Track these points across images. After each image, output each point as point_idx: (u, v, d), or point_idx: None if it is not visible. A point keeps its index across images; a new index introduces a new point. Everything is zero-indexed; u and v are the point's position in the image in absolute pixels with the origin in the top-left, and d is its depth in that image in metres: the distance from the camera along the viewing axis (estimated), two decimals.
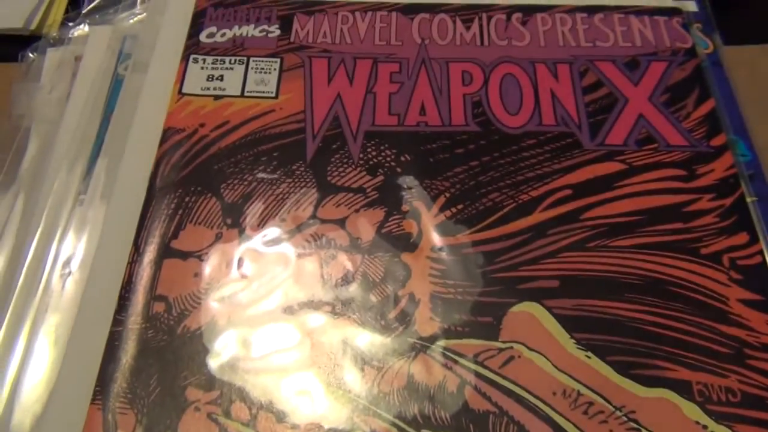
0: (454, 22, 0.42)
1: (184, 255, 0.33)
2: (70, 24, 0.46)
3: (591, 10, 0.42)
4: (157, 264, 0.33)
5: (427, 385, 0.30)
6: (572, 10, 0.42)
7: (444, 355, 0.31)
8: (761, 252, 0.33)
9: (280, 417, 0.29)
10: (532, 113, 0.38)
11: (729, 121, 0.38)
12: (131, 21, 0.45)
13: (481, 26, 0.41)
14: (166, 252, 0.33)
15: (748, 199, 0.35)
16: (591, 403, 0.29)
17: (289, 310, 0.32)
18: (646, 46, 0.40)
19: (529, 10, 0.42)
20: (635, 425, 0.29)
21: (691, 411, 0.29)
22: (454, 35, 0.41)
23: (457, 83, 0.39)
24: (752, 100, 0.41)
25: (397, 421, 0.29)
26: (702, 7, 0.43)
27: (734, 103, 0.39)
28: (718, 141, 0.37)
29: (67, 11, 0.47)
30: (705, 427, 0.29)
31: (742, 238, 0.34)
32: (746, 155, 0.37)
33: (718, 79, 0.40)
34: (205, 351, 0.31)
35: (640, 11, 0.42)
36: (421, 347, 0.31)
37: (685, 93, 0.38)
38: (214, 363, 0.30)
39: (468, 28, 0.41)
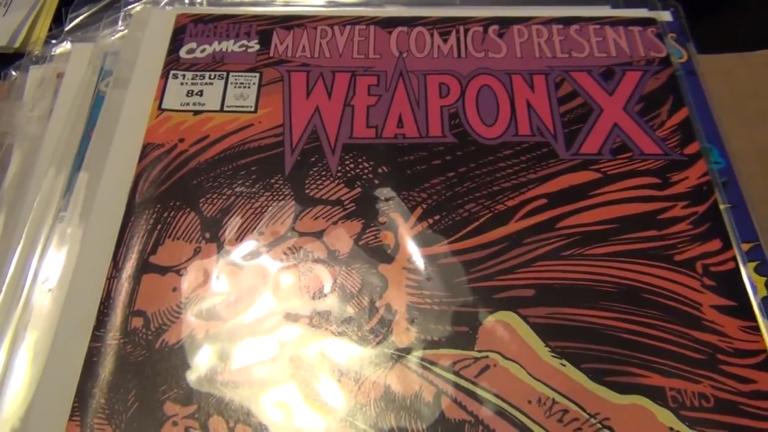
0: (432, 34, 0.42)
1: (163, 270, 0.34)
2: (53, 41, 0.46)
3: (567, 21, 0.43)
4: (136, 279, 0.33)
5: (403, 395, 0.30)
6: (548, 21, 0.43)
7: (420, 365, 0.31)
8: (734, 258, 0.34)
9: (257, 430, 0.29)
10: (508, 124, 0.38)
11: (703, 129, 0.38)
12: (113, 38, 0.45)
13: (458, 39, 0.42)
14: (144, 267, 0.34)
15: (722, 206, 0.35)
16: (566, 411, 0.30)
17: (267, 323, 0.32)
18: (621, 56, 0.41)
19: (505, 22, 0.43)
20: None
21: (665, 417, 0.29)
22: (431, 48, 0.42)
23: (435, 95, 0.39)
24: (726, 107, 0.41)
25: None
26: (676, 17, 0.43)
27: (708, 111, 0.39)
28: (691, 149, 0.37)
29: (50, 29, 0.48)
30: None
31: (716, 244, 0.34)
32: (720, 163, 0.37)
33: (692, 87, 0.40)
34: (184, 365, 0.31)
35: (615, 22, 0.42)
36: (397, 358, 0.31)
37: (660, 102, 0.39)
38: (192, 377, 0.31)
39: (445, 41, 0.42)
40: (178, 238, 0.34)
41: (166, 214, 0.35)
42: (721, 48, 0.45)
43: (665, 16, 0.43)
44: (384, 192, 0.36)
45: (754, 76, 0.44)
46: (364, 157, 0.37)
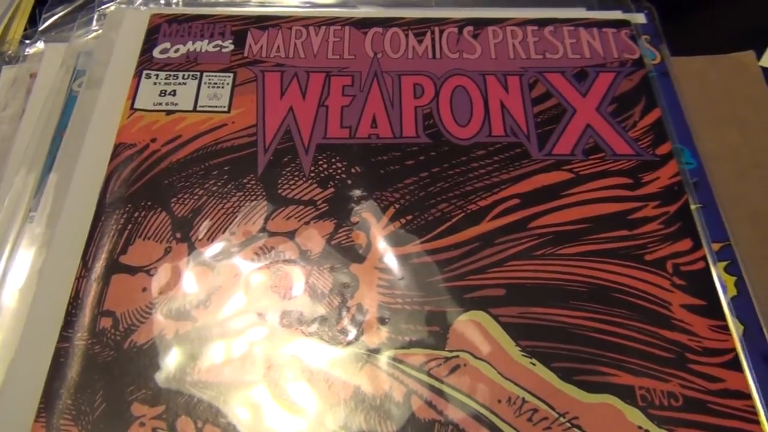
0: (407, 35, 0.42)
1: (133, 270, 0.33)
2: (27, 41, 0.46)
3: (541, 22, 0.43)
4: (105, 279, 0.33)
5: (374, 395, 0.30)
6: (523, 23, 0.43)
7: (391, 365, 0.31)
8: (704, 258, 0.34)
9: (226, 430, 0.29)
10: (481, 124, 0.38)
11: (674, 130, 0.38)
12: (87, 38, 0.45)
13: (433, 39, 0.42)
14: (114, 267, 0.33)
15: (693, 206, 0.36)
16: (535, 410, 0.30)
17: (237, 323, 0.32)
18: (595, 57, 0.41)
19: (480, 24, 0.43)
20: (578, 431, 0.29)
21: (634, 416, 0.29)
22: (406, 48, 0.42)
23: (409, 96, 0.39)
24: (698, 109, 0.41)
25: None
26: (650, 20, 0.44)
27: (680, 112, 0.40)
28: (663, 149, 0.37)
29: (25, 29, 0.48)
30: (647, 431, 0.29)
31: (686, 244, 0.34)
32: (691, 163, 0.38)
33: (665, 89, 0.40)
34: (152, 365, 0.31)
35: (589, 24, 0.43)
36: (368, 358, 0.31)
37: (632, 103, 0.39)
38: (160, 377, 0.30)
39: (420, 42, 0.42)
40: (149, 238, 0.34)
41: (136, 214, 0.35)
42: (693, 50, 0.45)
43: (639, 18, 0.44)
44: (357, 192, 0.36)
45: (726, 78, 0.44)
46: (338, 157, 0.37)
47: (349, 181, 0.36)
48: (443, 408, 0.30)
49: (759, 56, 0.46)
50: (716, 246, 0.35)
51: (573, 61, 0.41)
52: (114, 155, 0.37)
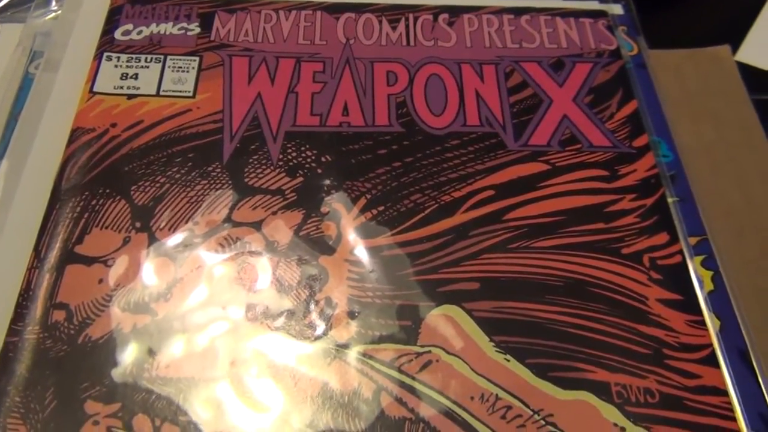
0: (380, 21, 0.41)
1: (89, 260, 0.32)
2: None
3: (518, 11, 0.42)
4: (59, 270, 0.31)
5: (342, 392, 0.29)
6: (499, 11, 0.42)
7: (360, 360, 0.30)
8: (681, 252, 0.33)
9: (186, 429, 0.28)
10: (456, 114, 0.37)
11: (652, 123, 0.38)
12: (45, 18, 0.43)
13: (407, 26, 0.41)
14: (69, 257, 0.31)
15: (669, 200, 0.35)
16: (509, 407, 0.29)
17: (199, 317, 0.30)
18: (572, 47, 0.40)
19: (456, 11, 0.42)
20: (553, 428, 0.28)
21: (610, 413, 0.29)
22: (379, 35, 0.40)
23: (382, 83, 0.38)
24: (676, 102, 0.41)
25: (309, 430, 0.28)
26: (627, 11, 0.43)
27: (657, 104, 0.39)
28: (640, 142, 0.37)
29: None
30: (623, 429, 0.28)
31: (663, 238, 0.33)
32: (668, 156, 0.37)
33: (642, 80, 0.40)
34: (107, 361, 0.29)
35: (566, 13, 0.42)
36: (336, 353, 0.30)
37: (609, 94, 0.38)
38: (116, 373, 0.29)
39: (394, 29, 0.41)
40: (107, 227, 0.32)
41: (94, 202, 0.33)
42: (671, 44, 0.45)
43: (616, 9, 0.43)
44: (327, 181, 0.35)
45: (703, 72, 0.44)
46: (308, 146, 0.36)
47: (319, 170, 0.35)
48: (414, 405, 0.29)
49: (735, 50, 0.46)
50: (693, 240, 0.34)
51: (550, 50, 0.40)
52: (71, 140, 0.35)
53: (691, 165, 0.38)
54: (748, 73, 0.45)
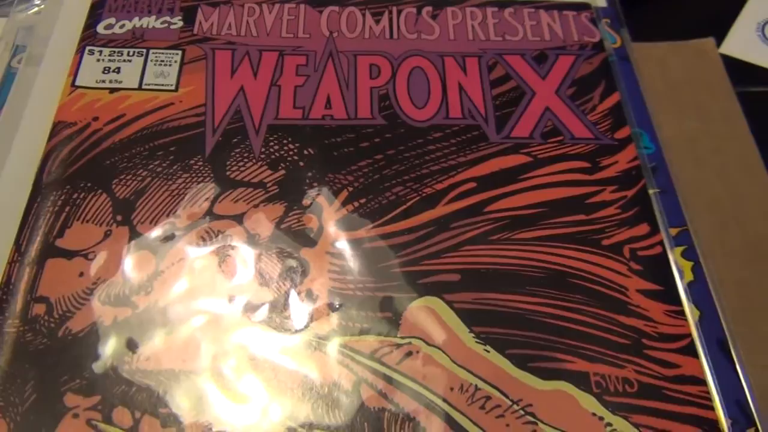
0: (364, 15, 0.41)
1: (70, 254, 0.31)
2: None
3: (501, 4, 0.42)
4: (40, 264, 0.31)
5: (322, 384, 0.29)
6: (483, 4, 0.42)
7: (341, 352, 0.30)
8: (661, 242, 0.33)
9: (165, 421, 0.28)
10: (439, 106, 0.37)
11: (634, 115, 0.38)
12: (29, 12, 0.42)
13: (390, 19, 0.41)
14: (50, 251, 0.31)
15: (651, 191, 0.35)
16: (488, 398, 0.29)
17: (180, 310, 0.30)
18: (555, 40, 0.40)
19: (439, 4, 0.42)
20: (532, 418, 0.28)
21: (588, 403, 0.29)
22: (363, 28, 0.40)
23: (365, 76, 0.38)
24: (659, 95, 0.41)
25: (289, 422, 0.28)
26: (611, 3, 0.43)
27: (640, 96, 0.39)
28: (622, 133, 0.37)
29: None
30: (601, 418, 0.28)
31: (643, 229, 0.34)
32: (650, 148, 0.37)
33: (625, 73, 0.40)
34: (88, 354, 0.29)
35: (549, 6, 0.42)
36: (317, 345, 0.30)
37: (592, 86, 0.38)
38: (96, 366, 0.29)
39: (377, 22, 0.41)
40: (88, 221, 0.32)
41: (75, 196, 0.33)
42: (655, 36, 0.45)
43: (600, 1, 0.43)
44: (309, 174, 0.35)
45: (687, 64, 0.44)
46: (290, 139, 0.36)
47: (301, 163, 0.35)
48: (394, 396, 0.29)
49: (719, 43, 0.46)
50: (674, 231, 0.34)
51: (533, 43, 0.40)
52: (52, 134, 0.35)
53: (674, 157, 0.38)
54: (733, 65, 0.45)
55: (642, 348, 0.30)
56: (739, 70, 0.44)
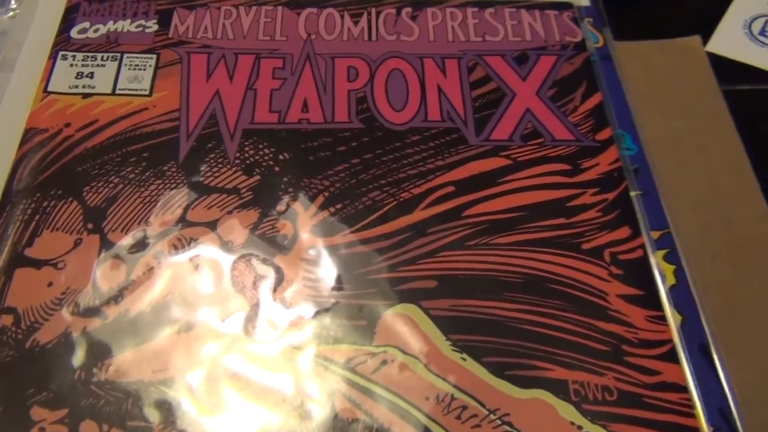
0: (342, 16, 0.40)
1: (38, 263, 0.31)
2: None
3: (482, 4, 0.41)
4: (8, 274, 0.31)
5: (295, 394, 0.28)
6: (463, 4, 0.41)
7: (315, 362, 0.29)
8: (642, 246, 0.33)
9: None
10: (418, 109, 0.37)
11: (616, 115, 0.37)
12: (3, 18, 0.42)
13: (369, 21, 0.40)
14: (18, 260, 0.31)
15: (632, 193, 0.34)
16: (465, 407, 0.28)
17: (151, 320, 0.30)
18: (536, 40, 0.40)
19: (419, 5, 0.41)
20: (509, 428, 0.28)
21: (567, 411, 0.28)
22: (341, 30, 0.40)
23: (342, 79, 0.38)
24: (643, 95, 0.40)
25: None
26: (593, 2, 0.43)
27: (622, 97, 0.38)
28: (603, 135, 0.36)
29: None
30: (580, 427, 0.28)
31: (624, 232, 0.33)
32: (632, 149, 0.37)
33: (607, 73, 0.39)
34: (55, 366, 0.29)
35: (530, 6, 0.41)
36: (290, 355, 0.29)
37: (573, 87, 0.38)
38: (64, 379, 0.28)
39: (356, 23, 0.40)
40: (58, 230, 0.32)
41: (45, 204, 0.33)
42: (641, 35, 0.44)
43: (582, 0, 0.42)
44: (284, 180, 0.34)
45: (671, 63, 0.43)
46: (265, 143, 0.35)
47: (277, 168, 0.34)
48: (368, 407, 0.28)
49: (705, 41, 0.45)
50: (656, 234, 0.34)
51: (514, 43, 0.40)
52: (23, 141, 0.34)
53: (658, 157, 0.37)
54: (720, 63, 0.44)
55: (622, 355, 0.30)
56: (725, 69, 0.44)
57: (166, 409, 0.28)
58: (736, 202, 0.38)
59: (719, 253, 0.35)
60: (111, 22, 0.39)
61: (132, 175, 0.34)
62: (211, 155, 0.35)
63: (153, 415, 0.28)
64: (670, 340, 0.30)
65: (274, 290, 0.31)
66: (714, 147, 0.40)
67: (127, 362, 0.29)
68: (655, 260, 0.32)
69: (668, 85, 0.42)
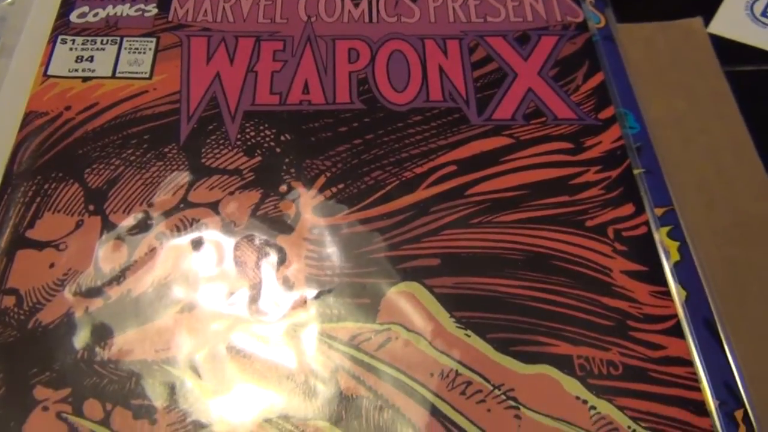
0: None
1: (40, 245, 0.31)
2: None
3: None
4: (9, 255, 0.30)
5: (299, 372, 0.28)
6: None
7: (318, 340, 0.29)
8: (647, 222, 0.32)
9: (138, 413, 0.27)
10: (419, 89, 0.37)
11: (618, 95, 0.37)
12: (2, 4, 0.42)
13: (370, 3, 0.40)
14: (20, 242, 0.31)
15: (636, 171, 0.34)
16: (469, 383, 0.28)
17: (153, 300, 0.30)
18: (538, 20, 0.40)
19: None
20: (514, 403, 0.28)
21: (572, 386, 0.28)
22: (341, 12, 0.40)
23: (343, 61, 0.37)
24: (646, 75, 0.40)
25: (265, 413, 0.27)
26: None
27: (624, 76, 0.38)
28: (606, 114, 0.36)
29: None
30: (585, 402, 0.28)
31: (628, 209, 0.33)
32: (635, 127, 0.36)
33: (609, 52, 0.39)
34: (59, 346, 0.28)
35: None
36: (294, 333, 0.29)
37: (575, 66, 0.38)
38: (67, 359, 0.28)
39: (356, 5, 0.40)
40: (59, 211, 0.32)
41: (46, 186, 0.32)
42: (642, 17, 0.44)
43: None
44: (286, 160, 0.34)
45: (673, 45, 0.43)
46: (267, 125, 0.35)
47: (278, 150, 0.34)
48: (372, 384, 0.28)
49: (707, 23, 0.45)
50: (659, 211, 0.33)
51: (515, 24, 0.39)
52: (24, 124, 0.34)
53: (662, 137, 0.37)
54: (721, 45, 0.44)
55: (627, 330, 0.29)
56: (727, 50, 0.44)
57: (169, 388, 0.28)
58: (740, 181, 0.38)
59: (723, 230, 0.35)
60: (110, 6, 0.39)
61: (133, 157, 0.34)
62: (213, 137, 0.34)
63: (156, 394, 0.28)
64: (675, 315, 0.30)
65: (277, 270, 0.31)
66: (717, 127, 0.40)
67: (129, 342, 0.29)
68: (659, 236, 0.32)
69: (670, 66, 0.42)
